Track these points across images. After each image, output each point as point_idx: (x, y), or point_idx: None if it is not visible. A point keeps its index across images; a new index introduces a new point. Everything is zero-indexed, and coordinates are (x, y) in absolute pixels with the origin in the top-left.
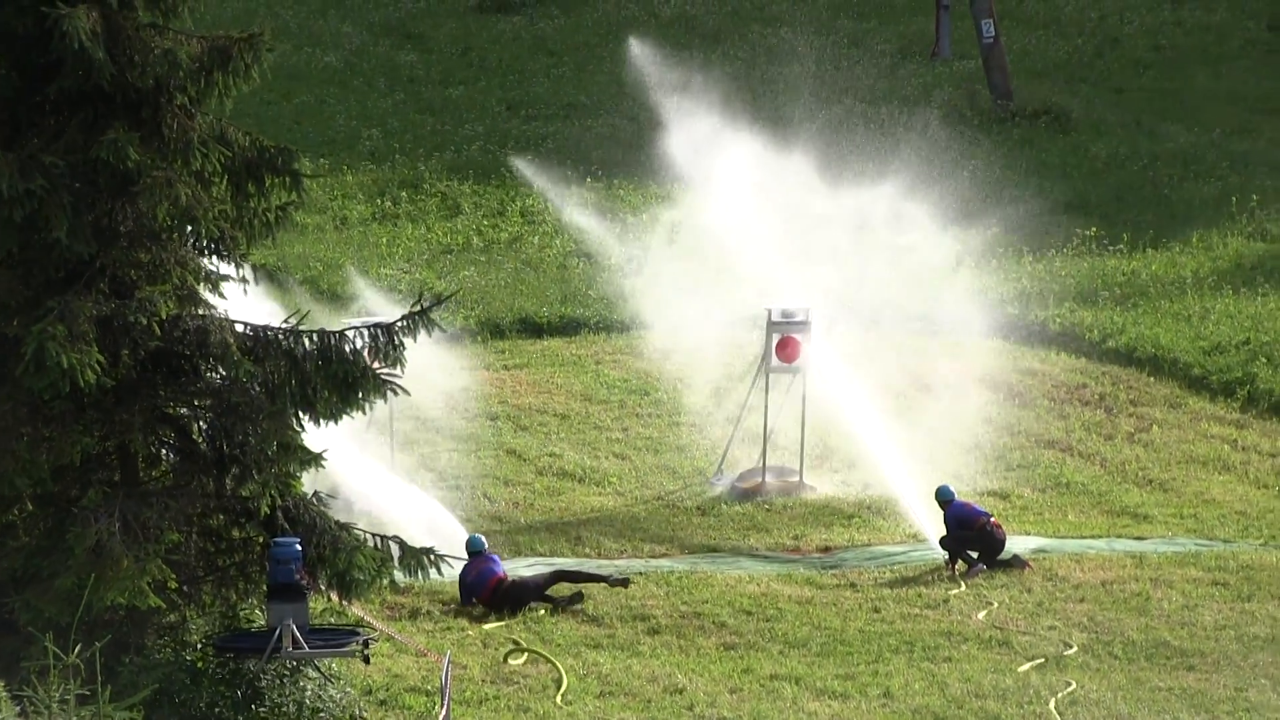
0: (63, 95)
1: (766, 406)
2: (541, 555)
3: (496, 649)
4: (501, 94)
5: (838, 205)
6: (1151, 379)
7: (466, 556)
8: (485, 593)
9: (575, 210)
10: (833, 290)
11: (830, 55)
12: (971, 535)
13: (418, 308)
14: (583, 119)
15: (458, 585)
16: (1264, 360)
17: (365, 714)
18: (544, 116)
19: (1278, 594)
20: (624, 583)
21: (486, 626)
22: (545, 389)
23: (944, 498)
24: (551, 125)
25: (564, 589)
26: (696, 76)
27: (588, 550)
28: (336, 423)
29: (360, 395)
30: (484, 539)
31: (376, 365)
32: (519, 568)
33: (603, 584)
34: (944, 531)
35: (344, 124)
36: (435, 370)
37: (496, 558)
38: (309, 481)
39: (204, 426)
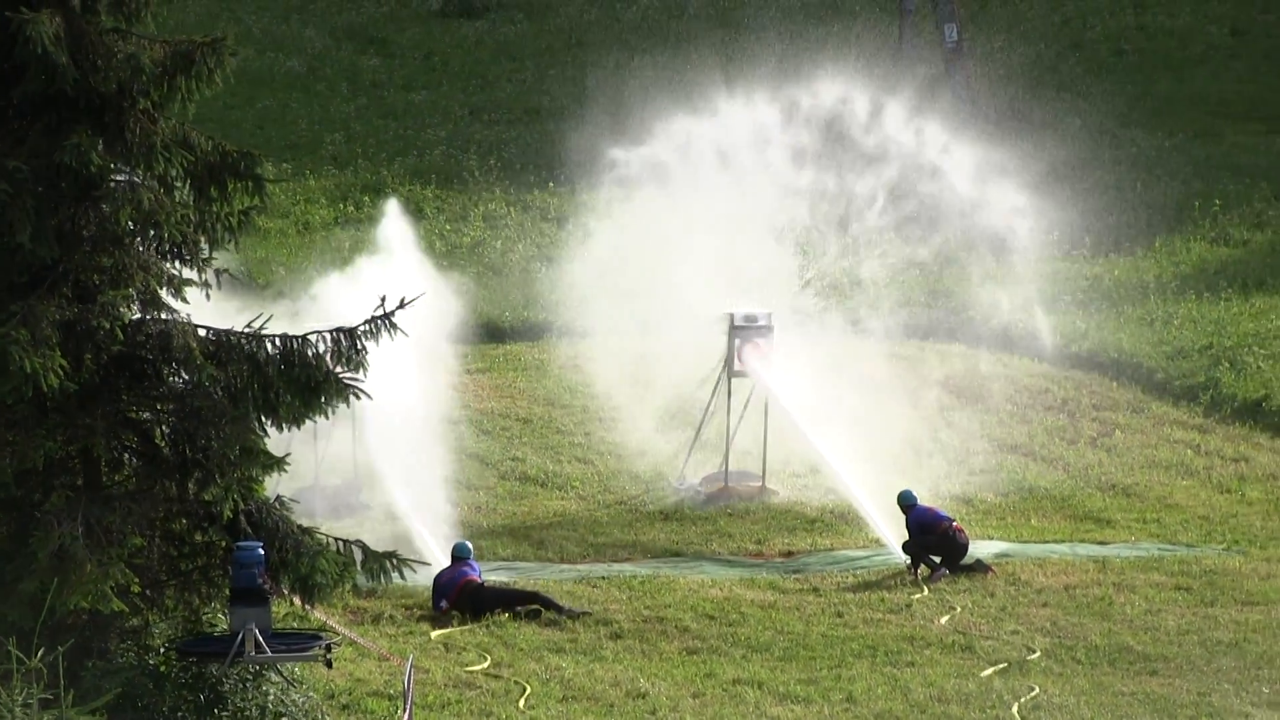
0: (26, 100)
1: (729, 410)
2: (504, 560)
3: (460, 653)
4: (464, 98)
5: (797, 210)
6: (1114, 383)
7: (449, 560)
8: (454, 592)
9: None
10: (791, 294)
11: (792, 58)
12: (934, 540)
13: (380, 311)
14: (544, 123)
15: (432, 587)
16: (1227, 365)
17: (328, 718)
18: (506, 121)
19: (1241, 599)
20: (585, 614)
21: (435, 634)
22: (508, 393)
23: (906, 502)
24: (514, 130)
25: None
26: (658, 81)
27: (550, 554)
28: (299, 427)
29: (323, 399)
30: (470, 546)
31: (339, 369)
32: (483, 573)
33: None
34: (906, 536)
35: (306, 129)
36: (398, 374)
37: (476, 565)
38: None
39: (167, 430)
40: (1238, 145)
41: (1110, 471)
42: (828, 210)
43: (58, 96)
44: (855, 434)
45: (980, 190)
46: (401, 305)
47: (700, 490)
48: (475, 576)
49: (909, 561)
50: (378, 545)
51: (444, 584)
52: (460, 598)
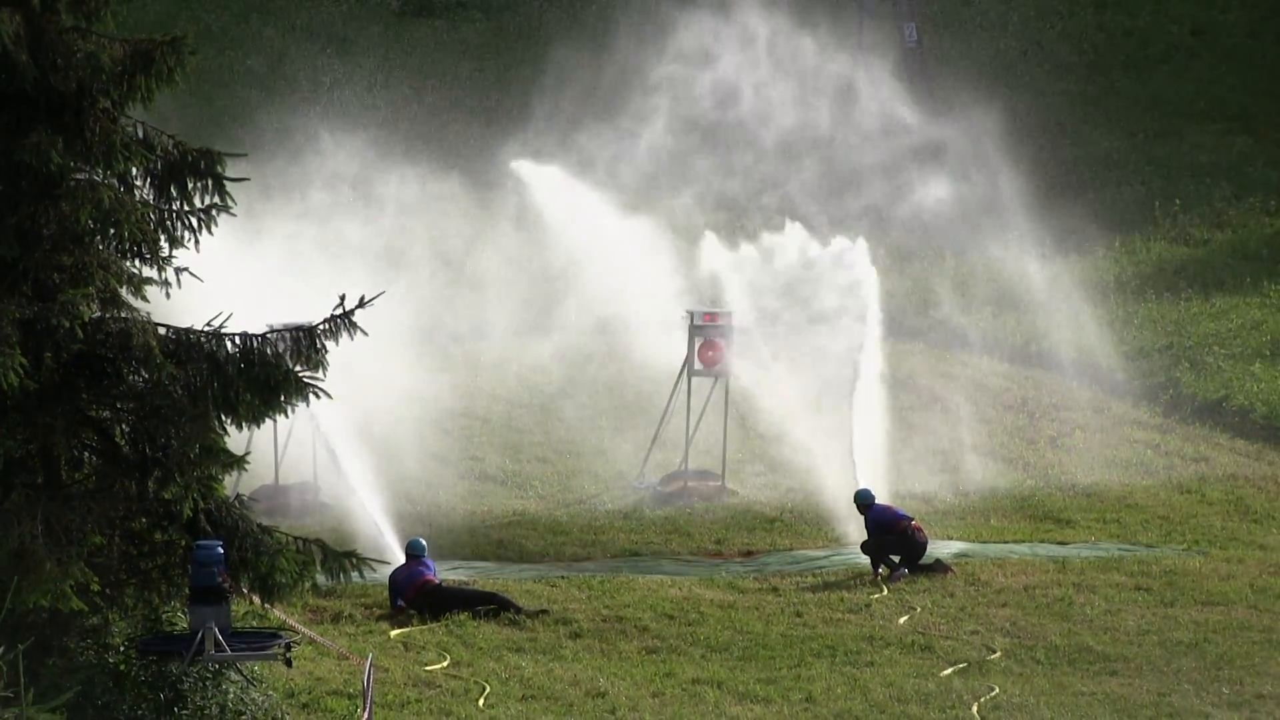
0: None
1: (689, 409)
2: (464, 559)
3: (419, 653)
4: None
5: (751, 207)
6: (1074, 383)
7: (404, 558)
8: (410, 592)
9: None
10: (752, 293)
11: (749, 57)
12: (893, 539)
13: (339, 310)
14: (504, 123)
15: (388, 585)
16: (1187, 365)
17: (288, 717)
18: (465, 119)
19: (1201, 599)
20: (543, 613)
21: (393, 633)
22: (467, 392)
23: (864, 501)
24: (473, 128)
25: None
26: (621, 80)
27: (509, 554)
28: (259, 425)
29: (282, 398)
30: (424, 543)
31: (299, 368)
32: (441, 572)
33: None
34: (865, 535)
35: (267, 127)
36: (359, 373)
37: (430, 563)
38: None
39: (126, 429)
40: (1198, 145)
41: (1070, 471)
42: (780, 206)
43: (17, 95)
44: (815, 432)
45: (938, 190)
46: (361, 304)
47: (659, 489)
48: (431, 576)
49: (871, 562)
50: (337, 544)
51: (400, 582)
52: (417, 598)
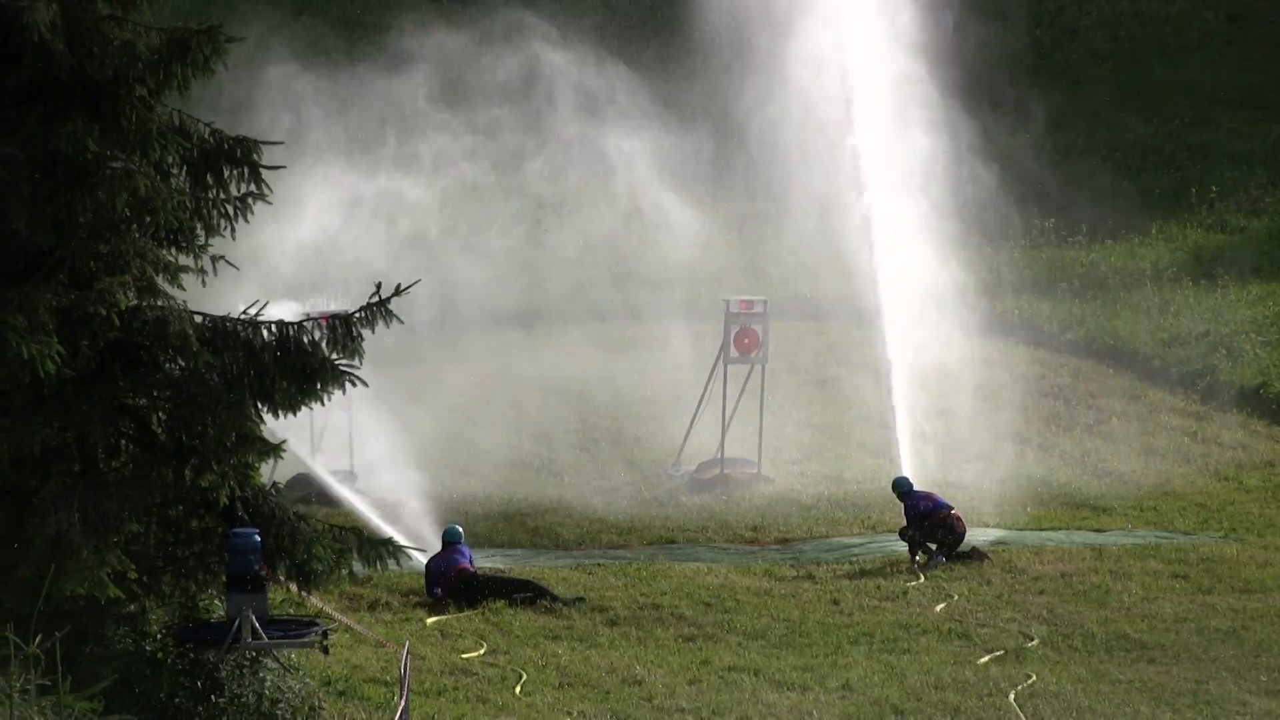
0: (21, 87)
1: (725, 397)
2: (499, 546)
3: (455, 640)
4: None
5: (789, 196)
6: (1110, 371)
7: (440, 546)
8: (446, 580)
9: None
10: (787, 281)
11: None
12: (932, 527)
13: (376, 298)
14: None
15: (425, 574)
16: (1224, 352)
17: (324, 705)
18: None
19: (1238, 586)
20: (579, 600)
21: (430, 620)
22: (502, 380)
23: (902, 489)
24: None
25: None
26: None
27: (545, 541)
28: (294, 414)
29: (319, 386)
30: (460, 530)
31: (335, 356)
32: (478, 559)
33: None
34: (903, 522)
35: (303, 115)
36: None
37: (466, 550)
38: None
39: (163, 417)
40: (1234, 132)
41: (1107, 459)
42: (813, 201)
43: (53, 84)
44: (852, 419)
45: (976, 177)
46: (398, 292)
47: (696, 477)
48: (467, 564)
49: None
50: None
51: (436, 570)
52: (453, 585)
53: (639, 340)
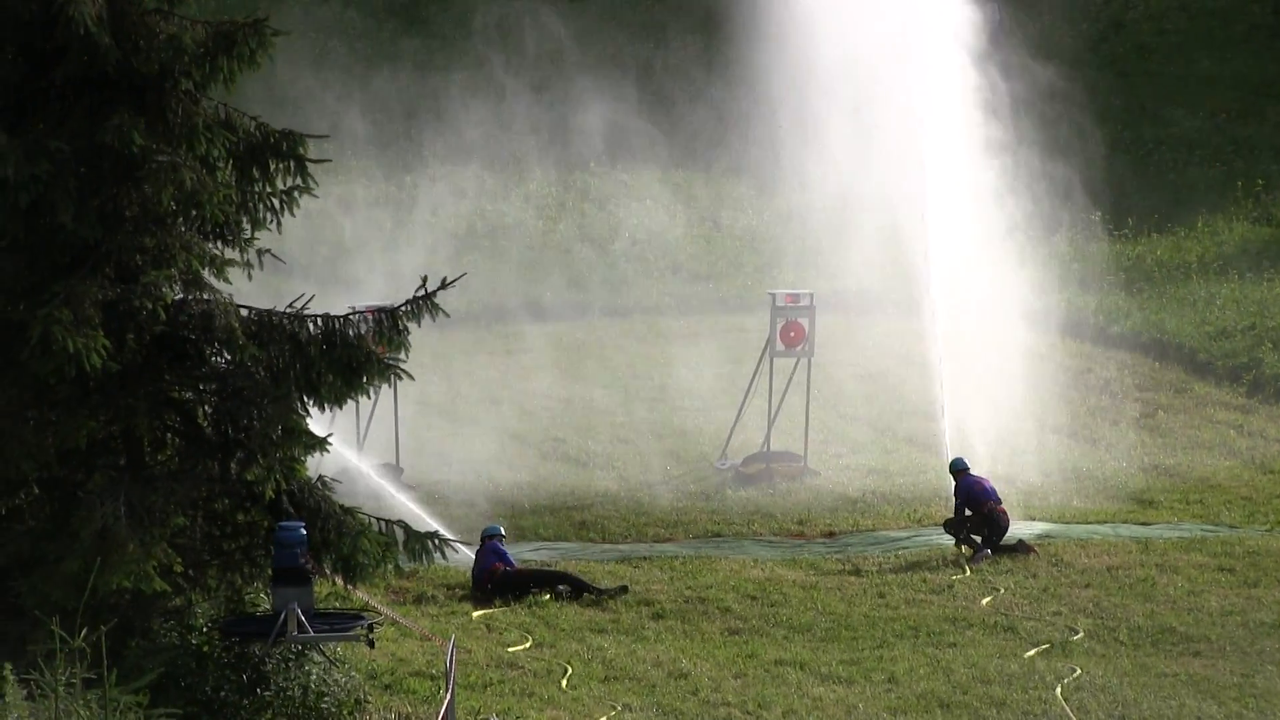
0: (68, 80)
1: (770, 390)
2: (546, 540)
3: (501, 634)
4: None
5: (848, 190)
6: (1157, 364)
7: (479, 541)
8: (485, 579)
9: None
10: (837, 274)
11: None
12: (977, 519)
13: (421, 292)
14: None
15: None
16: (1269, 345)
17: (370, 698)
18: (548, 102)
19: None
20: (622, 590)
21: (476, 614)
22: (548, 373)
23: (958, 468)
24: (557, 110)
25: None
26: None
27: (592, 535)
28: (340, 407)
29: (364, 379)
30: (500, 528)
31: (380, 349)
32: (524, 553)
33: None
34: (950, 514)
35: (348, 109)
36: (441, 354)
37: (503, 548)
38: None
39: (209, 410)
40: None
41: (1153, 452)
42: (872, 193)
43: (99, 77)
44: (899, 413)
45: (1023, 170)
46: (443, 286)
47: (742, 470)
48: (499, 564)
49: (954, 542)
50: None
51: (477, 575)
52: (494, 585)
53: (686, 333)
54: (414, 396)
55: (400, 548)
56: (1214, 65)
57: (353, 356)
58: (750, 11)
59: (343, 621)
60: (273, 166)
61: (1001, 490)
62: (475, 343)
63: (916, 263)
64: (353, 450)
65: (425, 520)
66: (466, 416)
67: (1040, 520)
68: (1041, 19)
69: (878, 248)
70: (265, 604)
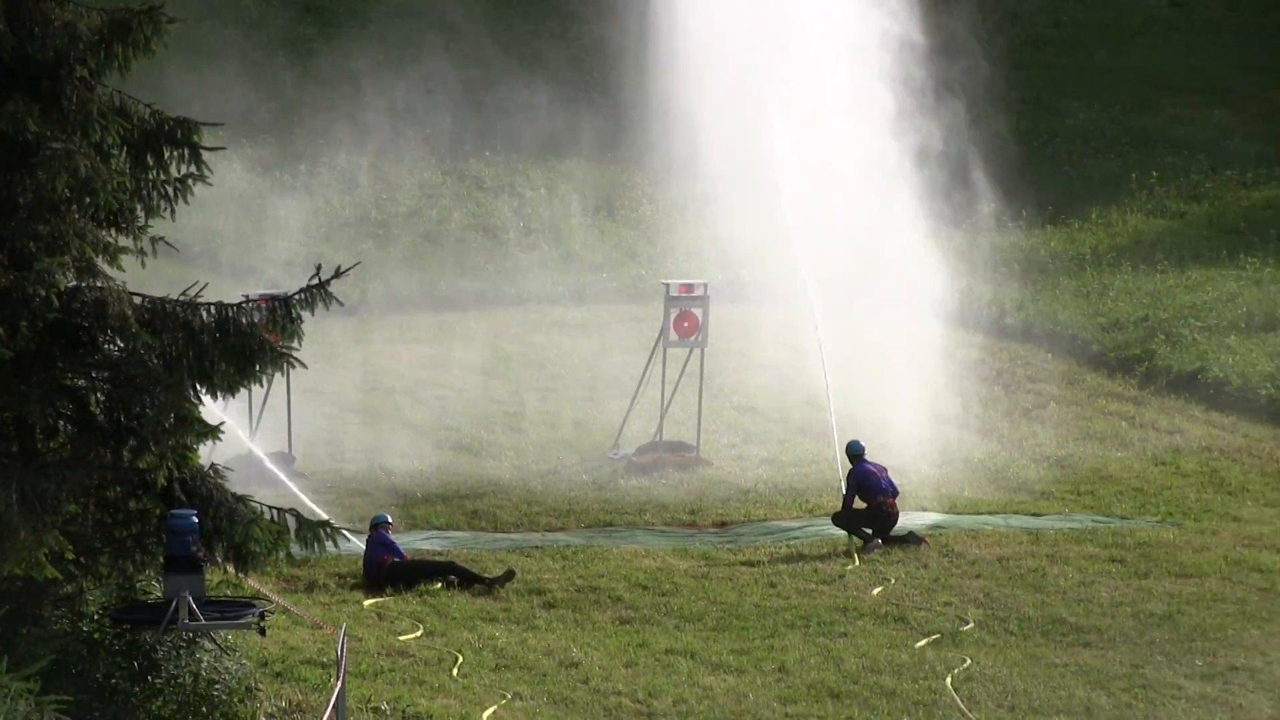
0: None
1: (664, 380)
2: (438, 529)
3: (392, 622)
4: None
5: (740, 182)
6: (1049, 355)
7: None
8: (374, 570)
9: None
10: (731, 264)
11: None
12: (866, 512)
13: (315, 280)
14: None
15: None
16: (1162, 337)
17: (261, 686)
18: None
19: (1174, 571)
20: (509, 576)
21: (367, 602)
22: (442, 362)
23: (854, 451)
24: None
25: None
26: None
27: (484, 524)
28: (234, 395)
29: (257, 367)
30: (388, 517)
31: (274, 337)
32: (415, 541)
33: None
34: (840, 507)
35: (243, 96)
36: (334, 343)
37: (391, 539)
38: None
39: (101, 398)
40: (1175, 117)
41: (1044, 443)
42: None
43: None
44: (792, 403)
45: (917, 162)
46: (337, 274)
47: (634, 460)
48: (387, 556)
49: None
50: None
51: (368, 561)
52: (384, 577)
53: (580, 323)
54: (307, 385)
55: (292, 536)
56: (1110, 58)
57: (246, 344)
58: (640, 5)
59: (234, 609)
60: (167, 154)
61: (892, 480)
62: (368, 332)
63: (802, 255)
64: (245, 436)
65: (314, 509)
66: (359, 405)
67: (931, 511)
68: (937, 10)
69: (770, 239)
70: (157, 591)
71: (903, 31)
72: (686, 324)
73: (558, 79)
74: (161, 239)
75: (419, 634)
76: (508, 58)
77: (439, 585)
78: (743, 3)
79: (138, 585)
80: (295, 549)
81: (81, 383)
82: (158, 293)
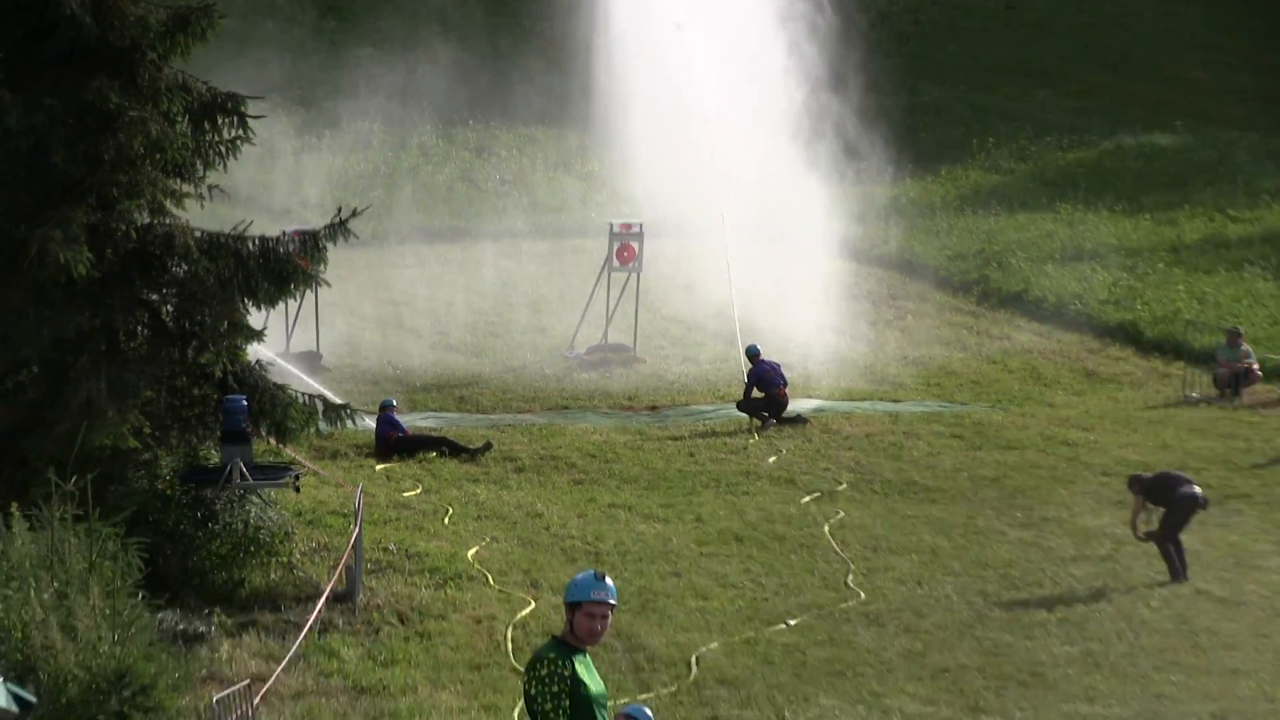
0: (58, 52)
1: (608, 298)
2: (433, 410)
3: (398, 482)
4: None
5: (667, 143)
6: (907, 279)
7: (379, 410)
8: (383, 443)
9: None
10: (661, 207)
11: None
12: (764, 400)
13: (337, 219)
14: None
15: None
16: (995, 265)
17: (295, 530)
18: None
19: (1001, 444)
20: (487, 447)
21: (378, 467)
22: (436, 283)
23: (751, 353)
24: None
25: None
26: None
27: (469, 407)
28: (274, 306)
29: (291, 286)
30: (393, 400)
31: (304, 263)
32: (415, 420)
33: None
34: (742, 397)
35: (279, 75)
36: (353, 267)
37: (395, 418)
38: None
39: (170, 309)
40: (1009, 96)
41: (903, 346)
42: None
43: (83, 49)
44: (706, 315)
45: (814, 128)
46: (354, 214)
47: (585, 359)
48: (392, 431)
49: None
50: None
51: (378, 435)
52: (390, 448)
53: (543, 253)
54: (331, 300)
55: (320, 416)
56: (958, 49)
57: (283, 268)
58: (590, 5)
59: (275, 472)
60: (220, 121)
61: (785, 374)
62: (380, 259)
63: (714, 197)
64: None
65: (333, 397)
66: (373, 316)
67: (815, 398)
68: (823, 10)
69: (694, 187)
70: (215, 458)
71: (812, 21)
72: (626, 254)
73: (529, 65)
74: (216, 186)
75: (418, 491)
76: (491, 47)
77: (434, 454)
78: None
79: (200, 454)
80: (323, 425)
81: (154, 297)
82: (213, 228)
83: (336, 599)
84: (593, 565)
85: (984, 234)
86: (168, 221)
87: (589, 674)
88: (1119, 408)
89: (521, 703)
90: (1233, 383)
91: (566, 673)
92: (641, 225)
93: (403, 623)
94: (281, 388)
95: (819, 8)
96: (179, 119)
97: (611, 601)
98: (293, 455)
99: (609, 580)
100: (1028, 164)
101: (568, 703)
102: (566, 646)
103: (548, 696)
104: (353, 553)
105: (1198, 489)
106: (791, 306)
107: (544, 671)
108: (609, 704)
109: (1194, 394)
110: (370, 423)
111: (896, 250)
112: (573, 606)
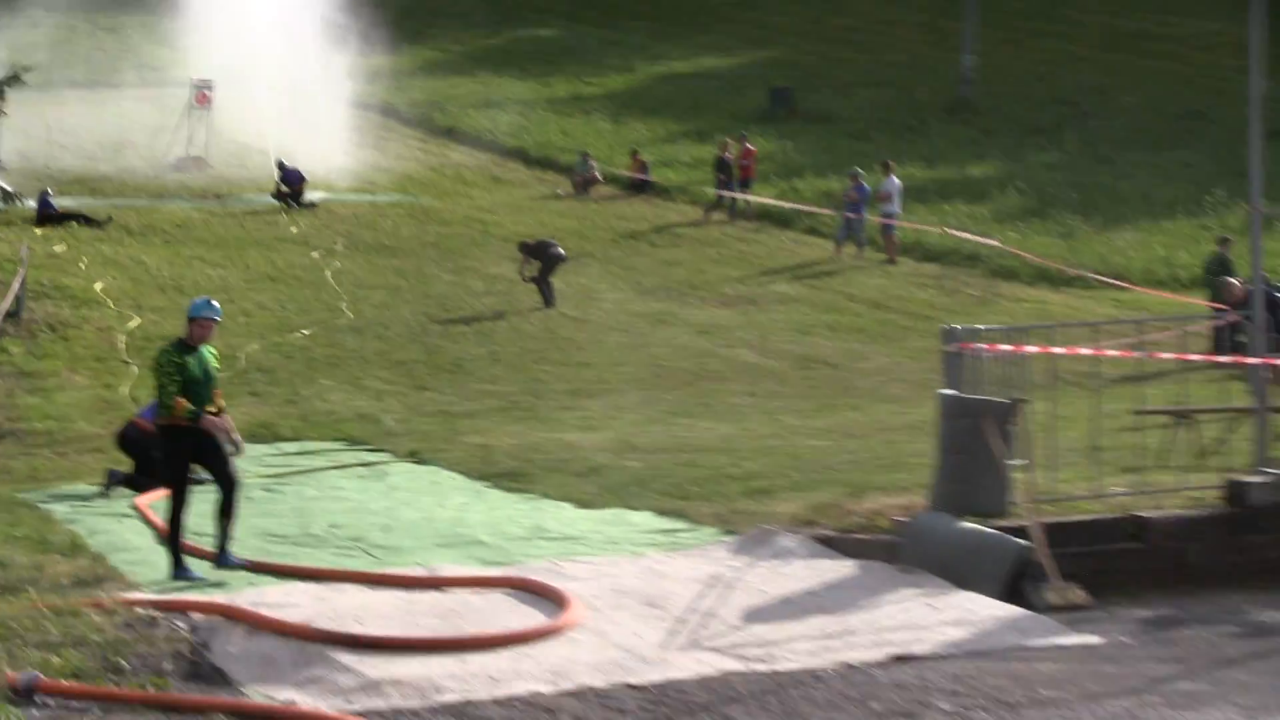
0: None
1: (189, 124)
2: (73, 196)
3: (50, 242)
4: None
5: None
6: (388, 119)
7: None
8: (41, 216)
9: None
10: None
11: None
12: (291, 192)
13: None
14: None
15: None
16: (439, 110)
17: None
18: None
19: (439, 221)
20: (108, 221)
21: (38, 231)
22: (86, 121)
23: (279, 165)
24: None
25: None
26: None
27: (99, 195)
28: None
29: None
30: (50, 189)
31: None
32: (63, 201)
33: None
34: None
35: None
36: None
37: (48, 199)
38: None
39: None
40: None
41: (379, 161)
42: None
43: None
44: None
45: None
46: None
47: (176, 166)
48: (48, 210)
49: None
50: None
51: (38, 213)
52: (44, 220)
53: (149, 99)
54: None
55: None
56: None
57: None
58: None
59: None
60: None
61: (318, 170)
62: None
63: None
64: None
65: (8, 187)
66: (40, 138)
67: (320, 191)
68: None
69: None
70: None
71: None
72: (201, 99)
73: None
74: None
75: (64, 247)
76: None
77: (74, 223)
78: None
79: None
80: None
81: None
82: None
83: (8, 316)
84: (176, 296)
85: (433, 90)
86: None
87: (198, 364)
88: (514, 199)
89: (131, 382)
90: (585, 186)
91: (179, 361)
92: (212, 81)
93: (52, 330)
94: None
95: None
96: None
97: (217, 319)
98: None
99: (215, 303)
100: (463, 46)
101: (179, 379)
102: (185, 345)
103: (164, 375)
104: (20, 284)
105: (561, 250)
106: (316, 137)
107: (164, 360)
108: (211, 381)
109: (560, 191)
110: (33, 204)
111: (379, 101)
112: (191, 320)
